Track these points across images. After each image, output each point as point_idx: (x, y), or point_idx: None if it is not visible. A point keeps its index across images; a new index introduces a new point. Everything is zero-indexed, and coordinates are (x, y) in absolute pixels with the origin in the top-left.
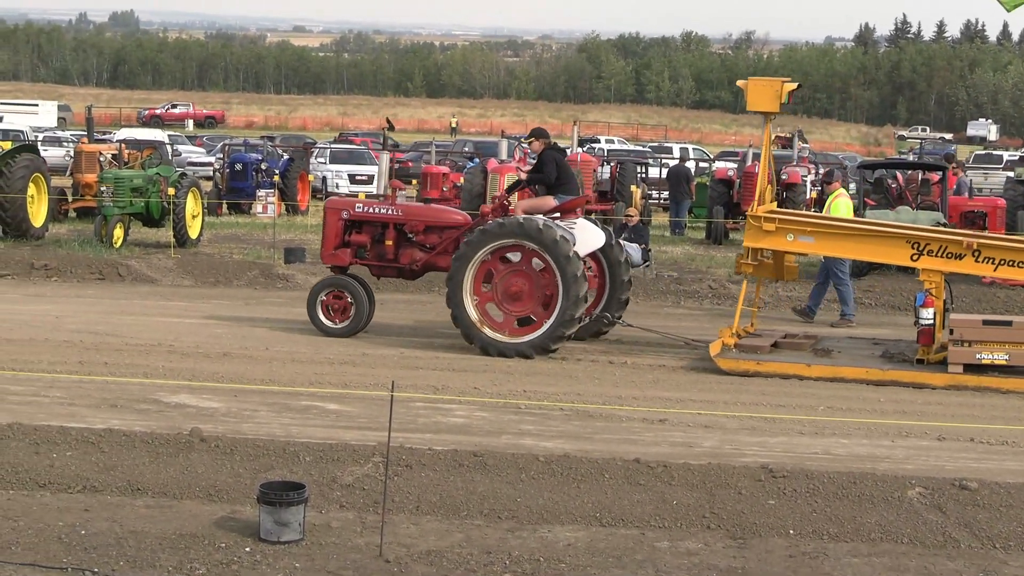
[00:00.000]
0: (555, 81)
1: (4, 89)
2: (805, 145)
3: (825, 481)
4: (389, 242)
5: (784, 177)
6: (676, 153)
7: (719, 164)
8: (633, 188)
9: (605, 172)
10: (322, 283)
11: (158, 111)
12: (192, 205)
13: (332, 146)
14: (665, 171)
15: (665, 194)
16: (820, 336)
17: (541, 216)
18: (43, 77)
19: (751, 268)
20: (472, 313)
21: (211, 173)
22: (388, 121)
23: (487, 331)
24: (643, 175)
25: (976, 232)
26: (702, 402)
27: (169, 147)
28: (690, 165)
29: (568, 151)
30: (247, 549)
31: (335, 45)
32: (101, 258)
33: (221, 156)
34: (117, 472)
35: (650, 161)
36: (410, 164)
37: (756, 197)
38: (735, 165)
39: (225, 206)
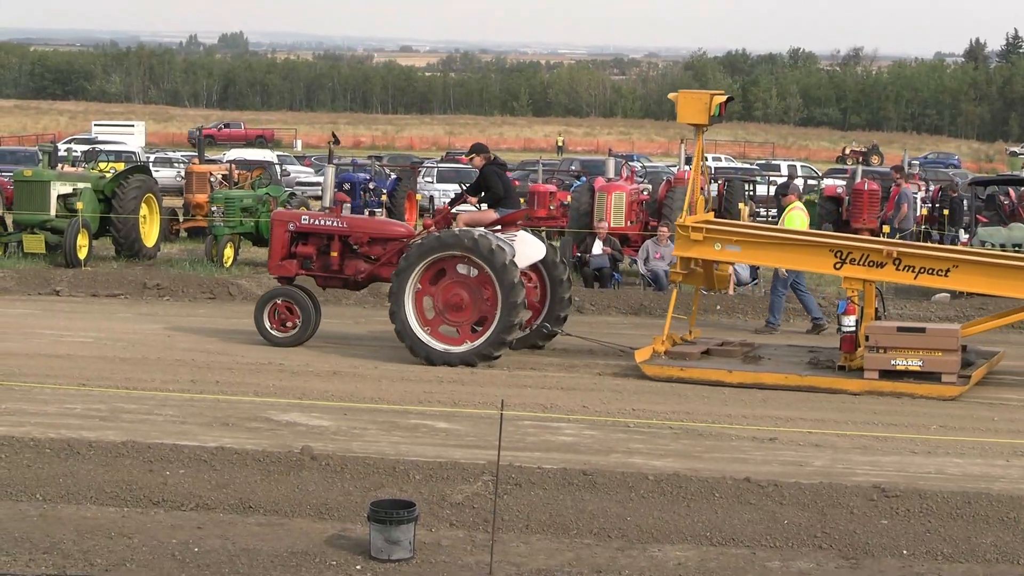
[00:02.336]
0: (661, 99)
1: (116, 111)
2: (916, 162)
3: (939, 501)
4: (334, 253)
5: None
6: (784, 170)
7: (828, 181)
8: (741, 206)
9: (713, 190)
10: (269, 294)
11: (212, 130)
12: None
13: (439, 165)
14: (773, 189)
15: (773, 212)
16: (758, 344)
17: (480, 228)
18: (154, 99)
19: (680, 277)
20: (415, 325)
21: (320, 193)
22: (333, 135)
23: (430, 341)
24: (751, 193)
25: (897, 241)
26: (812, 420)
27: (278, 167)
28: (798, 182)
29: (676, 169)
30: (358, 567)
31: (442, 65)
32: (212, 277)
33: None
34: (229, 490)
35: (758, 179)
36: (516, 183)
37: (686, 207)
38: (844, 182)
39: None
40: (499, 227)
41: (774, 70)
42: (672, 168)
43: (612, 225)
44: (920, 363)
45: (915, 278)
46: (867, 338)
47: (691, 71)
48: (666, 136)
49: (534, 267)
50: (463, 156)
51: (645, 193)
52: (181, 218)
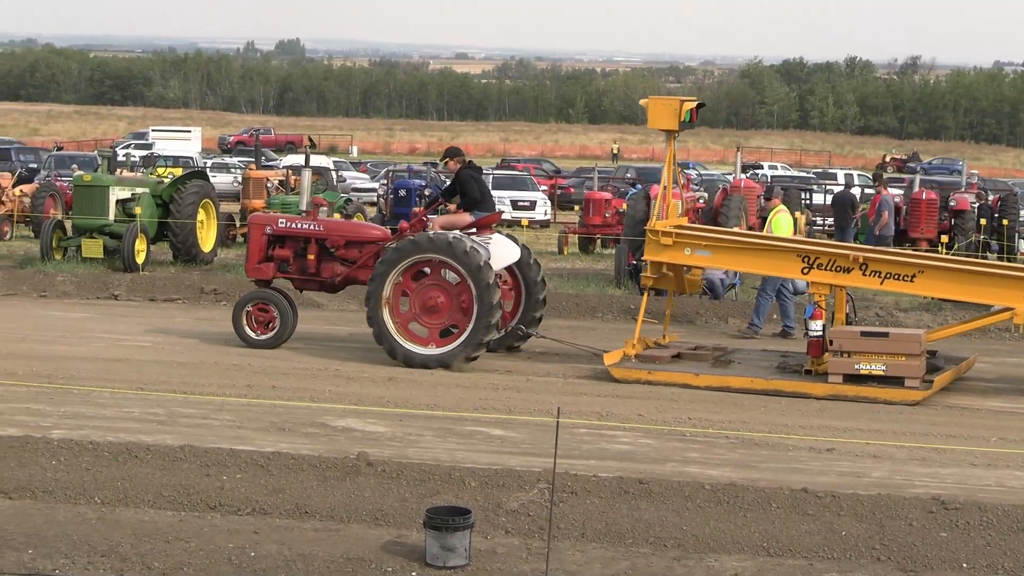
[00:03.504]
0: (717, 107)
1: (174, 116)
2: (975, 172)
3: (1000, 514)
4: (311, 256)
5: (952, 204)
6: (841, 179)
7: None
8: (798, 215)
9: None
10: (247, 297)
11: (243, 136)
12: None
13: (494, 172)
14: (830, 197)
15: (830, 221)
16: (731, 349)
17: (455, 232)
18: (212, 105)
19: (651, 281)
20: (392, 328)
21: (375, 199)
22: (309, 139)
23: (408, 344)
24: (807, 201)
25: (864, 246)
26: (870, 431)
27: (334, 173)
28: (855, 191)
29: (732, 177)
30: (413, 574)
31: (497, 72)
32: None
33: (385, 182)
34: (285, 495)
35: (814, 187)
36: (572, 190)
37: (656, 212)
38: (901, 192)
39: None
40: (474, 230)
41: (831, 78)
42: (728, 176)
43: None
44: (884, 367)
45: (881, 283)
46: (831, 342)
47: (747, 79)
48: (722, 144)
49: (509, 269)
50: (519, 163)
51: (701, 201)
52: (238, 223)
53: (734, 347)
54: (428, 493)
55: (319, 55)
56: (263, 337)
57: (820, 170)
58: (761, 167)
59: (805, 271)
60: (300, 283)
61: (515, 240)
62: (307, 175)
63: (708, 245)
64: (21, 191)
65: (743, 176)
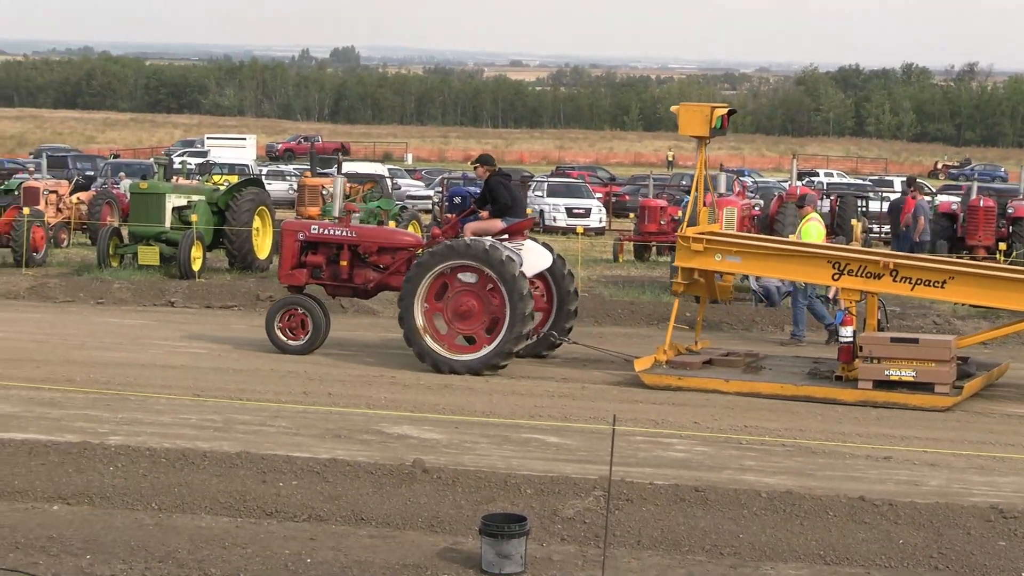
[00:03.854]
0: (772, 114)
1: (230, 124)
2: None
3: None
4: (344, 262)
5: (1010, 211)
6: (897, 187)
7: (942, 198)
8: (854, 222)
9: (825, 206)
10: (280, 303)
11: (291, 143)
12: None
13: (549, 179)
14: (886, 205)
15: (886, 228)
16: (763, 355)
17: (489, 238)
18: (267, 112)
19: (682, 287)
20: (423, 332)
21: (430, 206)
22: (343, 145)
23: (439, 349)
24: (864, 209)
25: (894, 252)
26: (927, 440)
27: (389, 181)
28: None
29: (787, 184)
30: None
31: (551, 79)
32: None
33: (440, 189)
34: (341, 502)
35: (871, 195)
36: (627, 197)
37: (687, 219)
38: (958, 199)
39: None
40: (506, 236)
41: (887, 85)
42: (784, 183)
43: None
44: (913, 373)
45: (912, 289)
46: (861, 348)
47: (803, 86)
48: (777, 151)
49: (541, 276)
50: (574, 170)
51: (756, 208)
52: None
53: (767, 353)
54: (484, 500)
55: (374, 63)
56: (296, 343)
57: (876, 177)
58: (817, 174)
59: (836, 277)
60: (333, 289)
61: (548, 247)
62: (339, 182)
63: (739, 251)
64: (78, 199)
65: (799, 183)
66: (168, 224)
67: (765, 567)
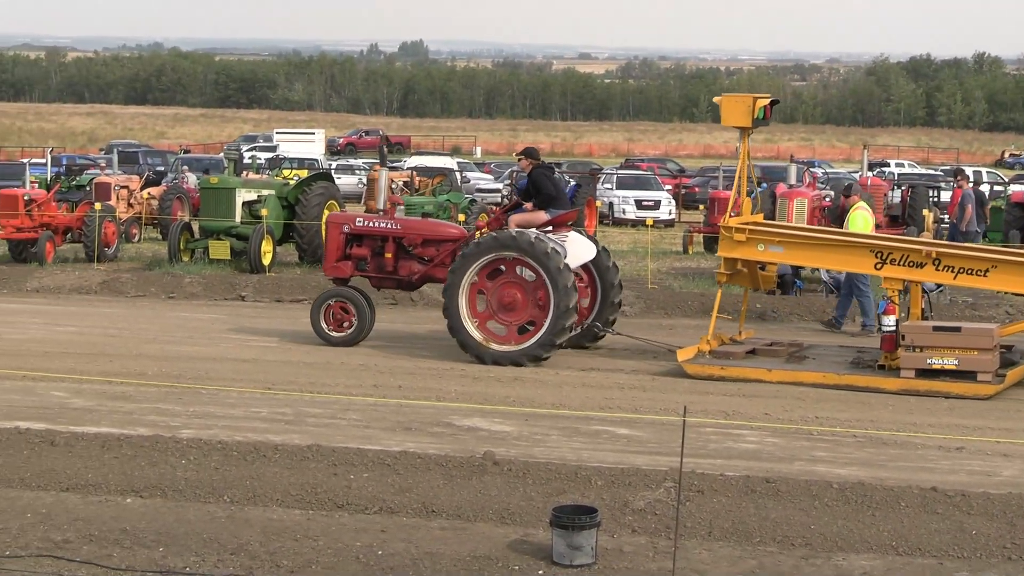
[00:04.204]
0: (843, 105)
1: (299, 119)
2: None
3: None
4: (388, 255)
5: None
6: (969, 176)
7: (1015, 187)
8: (925, 212)
9: (896, 196)
10: (325, 294)
11: (352, 138)
12: None
13: (618, 172)
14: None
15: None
16: (807, 344)
17: (534, 230)
18: (336, 107)
19: (725, 278)
20: (468, 323)
21: (499, 199)
22: (387, 138)
23: (482, 340)
24: (935, 199)
25: (936, 241)
26: (1000, 430)
27: (458, 174)
28: (984, 189)
29: (858, 175)
30: (540, 572)
31: (620, 71)
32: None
33: (509, 182)
34: (412, 494)
35: (942, 185)
36: (696, 189)
37: (729, 209)
38: None
39: None
40: (550, 228)
41: (959, 75)
42: (854, 174)
43: None
44: (956, 362)
45: (954, 278)
46: (903, 337)
47: (873, 76)
48: (848, 142)
49: (586, 268)
50: (643, 163)
51: (827, 199)
52: None
53: (811, 343)
54: (554, 492)
55: (442, 56)
56: (341, 335)
57: (948, 167)
58: (888, 165)
59: (878, 266)
60: (377, 281)
61: (592, 239)
62: (384, 175)
63: (781, 241)
64: (149, 194)
65: (870, 174)
66: (238, 219)
67: (837, 558)
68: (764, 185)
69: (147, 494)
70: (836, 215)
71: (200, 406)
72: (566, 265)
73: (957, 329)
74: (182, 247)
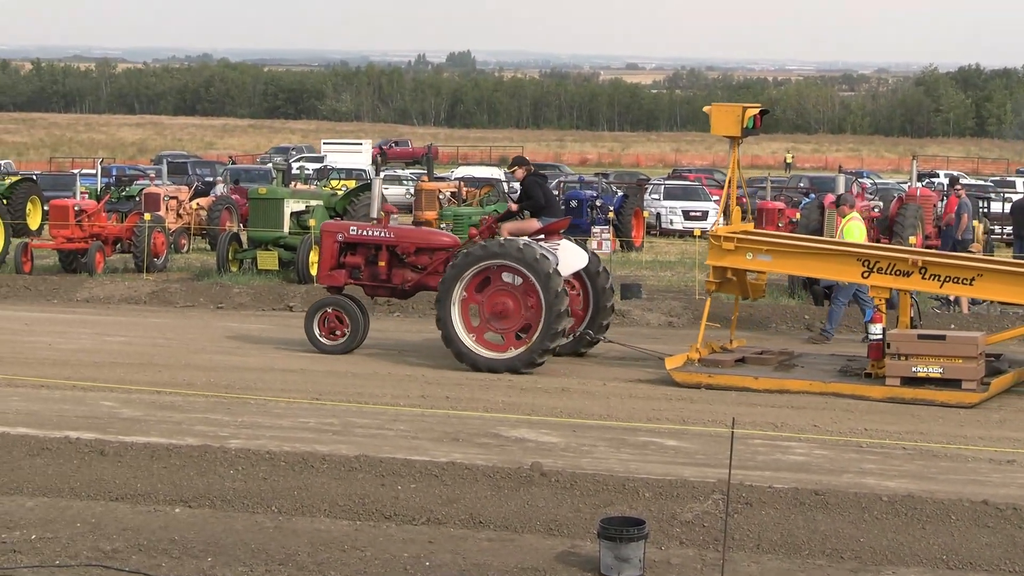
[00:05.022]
0: (891, 115)
1: (347, 129)
2: None
3: None
4: (382, 263)
5: None
6: (1020, 187)
7: None
8: (975, 223)
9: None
10: (318, 303)
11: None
12: None
13: (666, 182)
14: (1008, 206)
15: (1008, 229)
16: (798, 353)
17: (524, 237)
18: (383, 117)
19: (715, 286)
20: (461, 331)
21: None
22: (381, 149)
23: (477, 348)
24: (985, 210)
25: (922, 250)
26: None
27: (506, 184)
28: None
29: (907, 185)
30: None
31: (668, 82)
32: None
33: (556, 193)
34: (459, 505)
35: (992, 195)
36: (744, 200)
37: (718, 218)
38: None
39: None
40: (542, 236)
41: (1008, 84)
42: (903, 185)
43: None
44: (940, 370)
45: (940, 287)
46: (888, 345)
47: (922, 86)
48: (896, 152)
49: (577, 275)
50: (690, 173)
51: (876, 210)
52: None
53: (801, 351)
54: (602, 503)
55: (490, 67)
56: (334, 343)
57: (998, 178)
58: (937, 175)
59: (865, 275)
60: (371, 289)
61: (583, 246)
62: (377, 183)
63: (769, 249)
64: (198, 204)
65: (919, 184)
66: (287, 229)
67: (886, 571)
68: (812, 196)
69: (195, 504)
70: (885, 226)
71: (248, 416)
72: (556, 271)
73: (942, 337)
74: (230, 257)
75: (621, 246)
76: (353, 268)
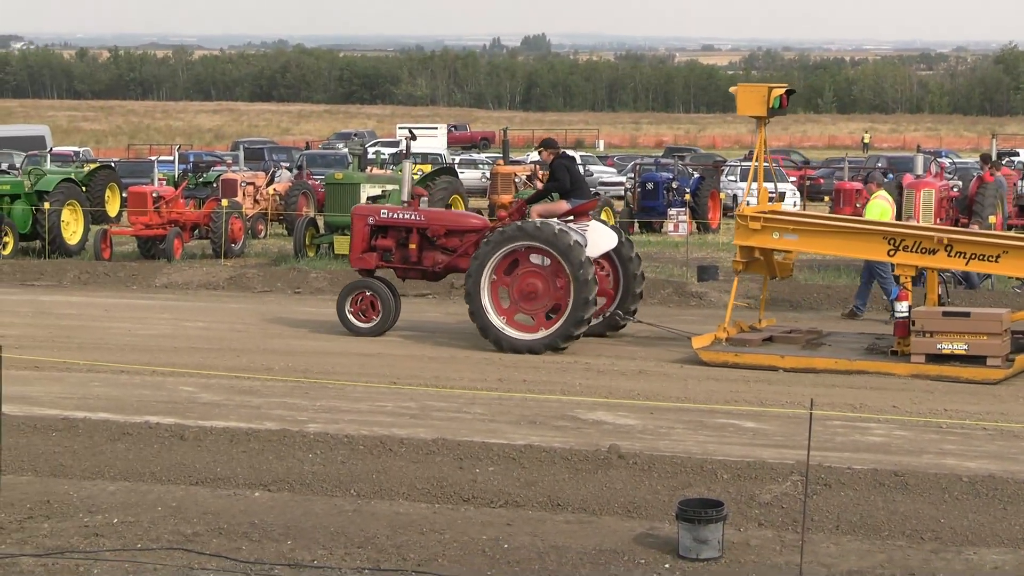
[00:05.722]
0: (970, 94)
1: (422, 114)
2: None
3: None
4: (412, 246)
5: None
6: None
7: None
8: None
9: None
10: (349, 286)
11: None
12: None
13: (742, 163)
14: None
15: None
16: (827, 332)
17: (556, 220)
18: (459, 101)
19: (741, 266)
20: (489, 310)
21: (622, 192)
22: (410, 131)
23: (502, 327)
24: None
25: (947, 228)
26: None
27: (582, 167)
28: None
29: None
30: (666, 565)
31: (744, 63)
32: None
33: (632, 175)
34: (537, 487)
35: None
36: (821, 181)
37: (745, 196)
38: None
39: (637, 225)
40: (571, 217)
41: None
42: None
43: (921, 223)
44: (965, 347)
45: (966, 264)
46: (913, 323)
47: (1001, 64)
48: (975, 131)
49: (608, 257)
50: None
51: (955, 190)
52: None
53: (831, 330)
54: (680, 485)
55: (565, 50)
56: (366, 325)
57: None
58: (1017, 154)
59: (891, 253)
60: (402, 272)
61: (616, 229)
62: (407, 166)
63: (796, 229)
64: (275, 190)
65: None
66: None
67: (967, 552)
68: (891, 176)
69: (275, 488)
70: (964, 205)
71: (326, 400)
72: (587, 258)
73: (967, 314)
74: (308, 242)
75: (698, 228)
76: (384, 251)
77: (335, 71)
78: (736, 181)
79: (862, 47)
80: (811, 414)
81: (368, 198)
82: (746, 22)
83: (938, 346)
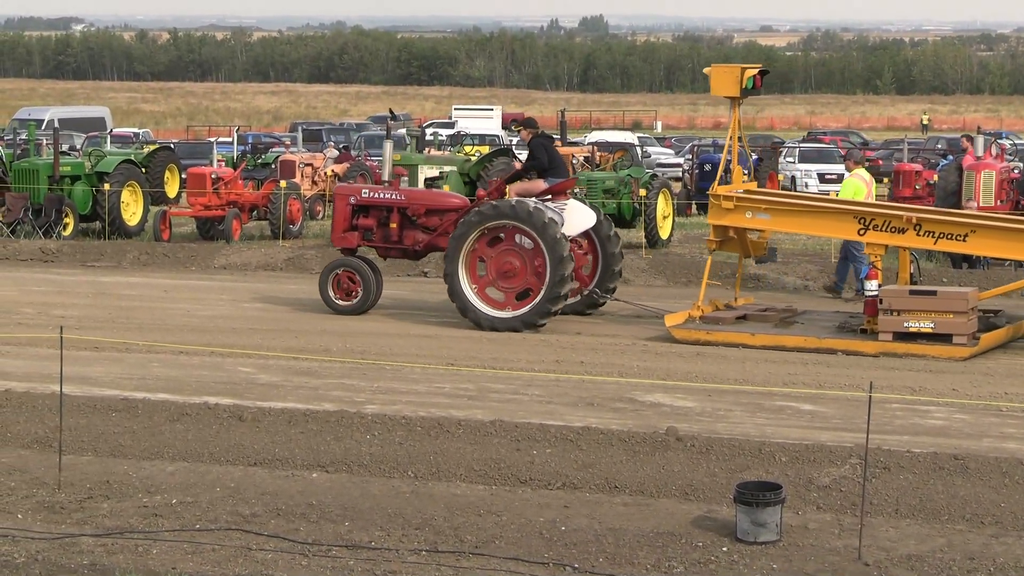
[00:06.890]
0: None
1: (479, 95)
2: None
3: None
4: (393, 225)
5: None
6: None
7: None
8: None
9: None
10: (331, 265)
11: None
12: (663, 206)
13: (801, 145)
14: None
15: None
16: (801, 310)
17: (533, 199)
18: (516, 83)
19: (715, 245)
20: (467, 289)
21: (680, 174)
22: (391, 111)
23: (480, 305)
24: None
25: (917, 207)
26: None
27: (639, 149)
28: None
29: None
30: (724, 549)
31: (802, 44)
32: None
33: (690, 157)
34: (595, 470)
35: None
36: (880, 162)
37: (717, 177)
38: None
39: (694, 206)
40: (549, 196)
41: None
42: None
43: (981, 205)
44: (932, 325)
45: (935, 243)
46: (881, 301)
47: None
48: None
49: (587, 236)
50: (825, 136)
51: (1016, 171)
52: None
53: (806, 309)
54: (738, 468)
55: (622, 31)
56: (347, 304)
57: None
58: None
59: (861, 232)
60: (383, 251)
61: (595, 208)
62: (388, 146)
63: (768, 208)
64: (333, 171)
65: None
66: None
67: None
68: (950, 158)
69: (332, 469)
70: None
71: (384, 382)
72: (563, 235)
73: (933, 293)
74: None
75: None
76: (365, 230)
77: (393, 52)
78: (794, 163)
79: (921, 28)
80: (870, 397)
81: (426, 179)
82: (805, 3)
83: (905, 324)
